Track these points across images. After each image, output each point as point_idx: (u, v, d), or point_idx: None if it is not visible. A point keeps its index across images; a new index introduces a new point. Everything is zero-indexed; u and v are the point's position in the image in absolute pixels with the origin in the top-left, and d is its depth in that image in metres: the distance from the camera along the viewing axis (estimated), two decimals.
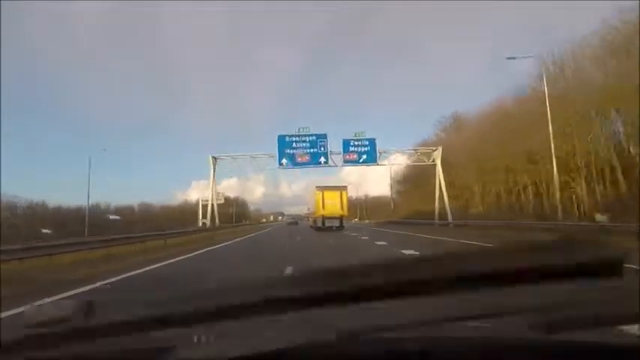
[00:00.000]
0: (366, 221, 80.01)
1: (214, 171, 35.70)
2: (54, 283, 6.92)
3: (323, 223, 31.59)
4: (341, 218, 32.60)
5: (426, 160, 37.28)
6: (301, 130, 35.33)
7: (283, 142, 35.06)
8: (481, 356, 0.91)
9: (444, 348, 0.92)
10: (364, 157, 35.23)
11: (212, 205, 37.20)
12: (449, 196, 37.86)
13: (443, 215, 38.02)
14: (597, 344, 0.93)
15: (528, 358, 0.91)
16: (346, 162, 35.34)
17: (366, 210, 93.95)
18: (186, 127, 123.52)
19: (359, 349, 0.89)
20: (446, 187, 36.90)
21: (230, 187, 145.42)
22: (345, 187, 35.55)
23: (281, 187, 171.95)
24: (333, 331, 0.88)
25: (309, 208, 49.37)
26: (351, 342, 0.89)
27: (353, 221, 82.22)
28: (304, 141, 35.15)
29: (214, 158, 35.70)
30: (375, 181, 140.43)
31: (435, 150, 36.90)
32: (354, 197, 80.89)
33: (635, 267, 1.03)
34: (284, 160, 34.82)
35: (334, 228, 30.82)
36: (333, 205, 32.04)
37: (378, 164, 36.24)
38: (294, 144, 35.05)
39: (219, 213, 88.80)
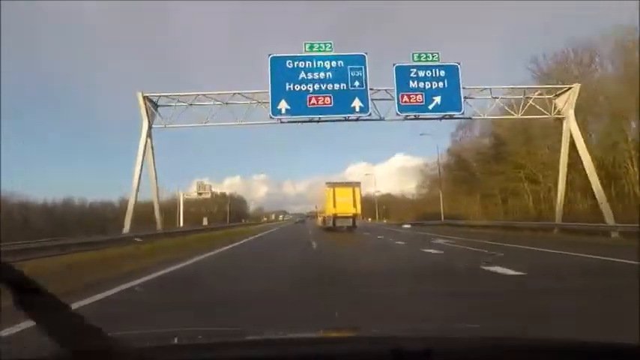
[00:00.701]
0: (384, 221, 67.95)
1: (150, 127, 18.71)
2: None
3: (334, 222, 27.51)
4: (354, 217, 27.98)
5: (548, 112, 20.10)
6: (315, 48, 18.32)
7: (282, 71, 18.04)
8: (482, 356, 0.92)
9: (447, 348, 0.94)
10: (437, 100, 18.17)
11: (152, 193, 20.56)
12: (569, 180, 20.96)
13: (566, 213, 21.17)
14: (597, 344, 0.97)
15: (528, 358, 0.92)
16: (404, 109, 18.24)
17: (379, 209, 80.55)
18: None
19: (364, 348, 0.95)
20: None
21: (233, 186, 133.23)
22: (358, 184, 29.78)
23: (284, 186, 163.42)
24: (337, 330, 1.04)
25: (316, 206, 42.83)
26: (356, 340, 1.01)
27: (368, 220, 70.43)
28: (321, 68, 18.12)
29: (149, 100, 18.69)
30: (385, 178, 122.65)
31: (566, 90, 19.75)
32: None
33: None
34: (283, 105, 17.81)
35: (345, 228, 27.14)
36: (346, 203, 27.54)
37: (462, 115, 19.20)
38: (301, 74, 18.06)
39: (209, 212, 73.34)
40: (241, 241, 18.32)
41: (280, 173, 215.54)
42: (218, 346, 1.11)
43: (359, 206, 28.47)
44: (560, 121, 20.14)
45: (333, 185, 28.78)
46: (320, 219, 36.40)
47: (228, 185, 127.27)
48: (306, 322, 4.03)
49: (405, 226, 37.62)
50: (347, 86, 17.95)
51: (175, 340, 1.34)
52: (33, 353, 0.95)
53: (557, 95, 20.04)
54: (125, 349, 0.90)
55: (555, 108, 19.96)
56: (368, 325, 1.88)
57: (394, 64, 18.32)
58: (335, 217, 27.56)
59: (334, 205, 27.65)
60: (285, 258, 11.28)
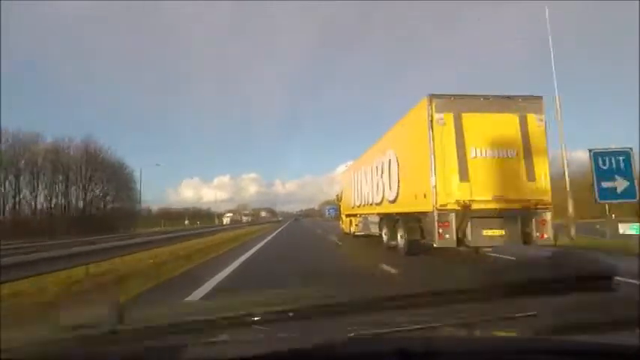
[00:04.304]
0: None
1: None
2: None
3: (458, 230, 8.69)
4: (533, 208, 8.77)
5: None
6: None
7: None
8: (485, 356, 0.92)
9: (451, 348, 0.93)
10: None
11: None
12: None
13: None
14: (597, 344, 0.94)
15: (530, 358, 0.91)
16: None
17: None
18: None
19: (367, 347, 0.93)
20: None
21: (222, 185, 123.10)
22: (538, 100, 9.26)
23: (274, 186, 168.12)
24: (339, 332, 1.00)
25: (338, 196, 23.87)
26: (357, 341, 0.97)
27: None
28: None
29: None
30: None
31: None
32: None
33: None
34: None
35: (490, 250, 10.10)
36: (503, 163, 8.79)
37: None
38: None
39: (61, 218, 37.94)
40: None
41: (271, 173, 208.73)
42: (215, 344, 1.06)
43: (547, 177, 9.00)
44: None
45: (450, 106, 8.97)
46: (355, 222, 17.71)
47: (219, 185, 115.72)
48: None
49: None
50: None
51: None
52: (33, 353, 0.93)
53: None
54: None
55: None
56: (371, 325, 1.69)
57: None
58: (465, 214, 8.69)
59: (463, 175, 8.77)
60: None
